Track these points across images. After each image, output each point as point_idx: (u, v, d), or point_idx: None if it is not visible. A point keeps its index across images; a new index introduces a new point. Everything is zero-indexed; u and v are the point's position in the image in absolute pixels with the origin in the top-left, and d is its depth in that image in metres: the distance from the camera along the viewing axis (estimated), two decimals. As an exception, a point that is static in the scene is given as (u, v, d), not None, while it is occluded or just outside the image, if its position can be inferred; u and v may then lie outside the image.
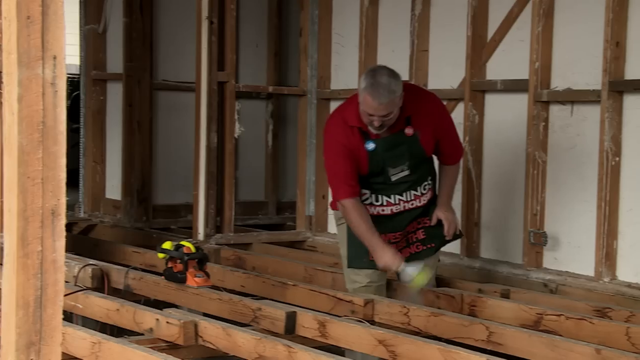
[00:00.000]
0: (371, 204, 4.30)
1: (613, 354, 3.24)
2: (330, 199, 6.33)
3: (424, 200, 4.35)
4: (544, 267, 4.97)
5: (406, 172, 4.27)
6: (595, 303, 4.19)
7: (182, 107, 6.73)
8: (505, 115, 5.19)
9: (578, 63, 4.84)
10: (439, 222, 4.39)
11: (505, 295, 4.44)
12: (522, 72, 5.02)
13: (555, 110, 4.95)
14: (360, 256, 4.34)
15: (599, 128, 4.63)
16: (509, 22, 5.15)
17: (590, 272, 4.69)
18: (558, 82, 4.92)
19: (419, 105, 4.24)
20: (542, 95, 4.92)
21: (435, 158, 4.48)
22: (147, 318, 3.74)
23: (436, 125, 4.29)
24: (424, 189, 4.35)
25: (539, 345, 3.46)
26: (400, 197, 4.30)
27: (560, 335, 3.65)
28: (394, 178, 4.26)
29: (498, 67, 5.23)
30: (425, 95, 4.39)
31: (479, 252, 5.31)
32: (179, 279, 4.25)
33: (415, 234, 4.39)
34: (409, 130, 4.21)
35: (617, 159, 4.63)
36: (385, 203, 4.30)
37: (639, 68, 4.55)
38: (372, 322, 3.98)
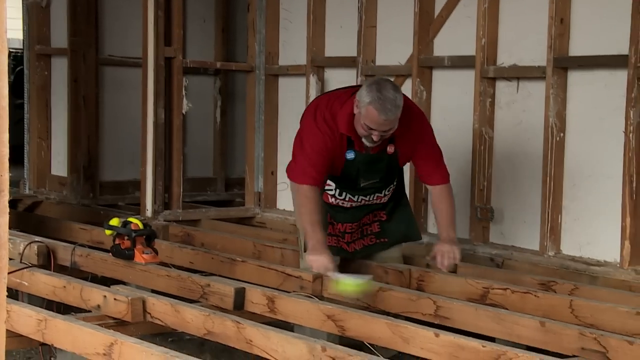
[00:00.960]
0: (333, 196, 4.28)
1: (557, 327, 3.29)
2: (283, 175, 6.34)
3: (385, 199, 4.34)
4: (490, 241, 5.02)
5: (376, 180, 4.24)
6: (540, 277, 4.25)
7: (129, 83, 6.66)
8: (452, 92, 5.22)
9: (523, 39, 4.88)
10: (397, 218, 4.37)
11: (453, 270, 4.48)
12: (469, 48, 5.05)
13: (501, 86, 4.99)
14: None
15: (544, 104, 4.68)
16: (456, -1, 5.18)
17: (536, 247, 4.76)
18: (504, 59, 4.96)
19: (406, 125, 4.09)
20: (488, 71, 4.96)
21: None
22: (95, 295, 3.72)
23: (418, 144, 4.20)
24: (388, 191, 4.33)
25: (485, 318, 3.51)
26: (364, 198, 4.30)
27: (506, 309, 3.71)
28: (362, 185, 4.24)
29: (445, 44, 5.25)
30: (412, 113, 4.19)
31: (427, 227, 5.34)
32: (126, 255, 4.23)
33: (370, 226, 4.37)
34: (390, 149, 4.14)
35: (562, 134, 4.69)
36: (347, 199, 4.28)
37: (583, 45, 4.61)
38: (321, 298, 3.99)
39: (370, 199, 4.31)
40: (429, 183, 4.33)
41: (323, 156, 4.08)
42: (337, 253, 4.29)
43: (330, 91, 4.45)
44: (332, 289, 3.94)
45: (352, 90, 4.17)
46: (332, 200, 4.29)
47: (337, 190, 4.26)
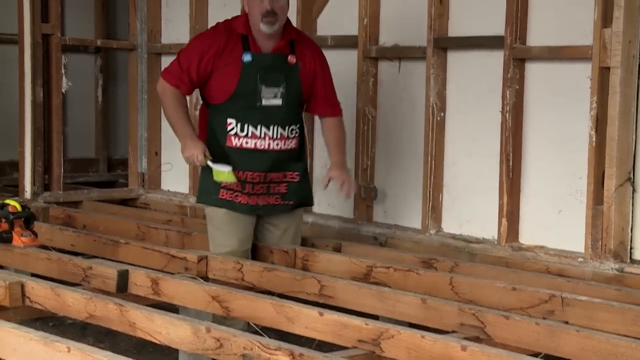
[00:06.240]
0: (236, 134, 4.19)
1: (437, 303, 3.36)
2: (167, 156, 6.27)
3: (288, 144, 4.25)
4: (374, 220, 5.09)
5: (278, 102, 4.20)
6: (422, 255, 4.33)
7: (5, 61, 6.47)
8: (336, 71, 5.17)
9: (405, 20, 4.94)
10: (304, 179, 4.34)
11: (337, 249, 4.53)
12: (351, 28, 5.09)
13: (383, 66, 5.05)
14: (209, 192, 4.24)
15: (425, 84, 4.76)
16: (338, -22, 5.21)
17: (418, 225, 4.84)
18: (386, 39, 5.02)
19: (305, 44, 4.32)
20: (371, 51, 5.01)
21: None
22: (-30, 280, 3.61)
23: (317, 65, 4.30)
24: (291, 133, 4.26)
25: (369, 297, 3.56)
26: (267, 131, 4.19)
27: (389, 287, 3.76)
28: (265, 102, 4.18)
29: (328, 23, 5.28)
30: (311, 41, 4.48)
31: (312, 207, 5.37)
32: (4, 238, 4.12)
33: (278, 185, 4.28)
34: (291, 59, 4.21)
35: (442, 114, 4.78)
36: (250, 134, 4.18)
37: (461, 25, 4.70)
38: (206, 279, 3.98)
39: (274, 134, 4.20)
40: (322, 114, 4.39)
41: (199, 59, 4.16)
42: (231, 208, 4.22)
43: None
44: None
45: None
46: (235, 141, 4.19)
47: (239, 125, 4.18)
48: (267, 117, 4.19)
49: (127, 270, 3.77)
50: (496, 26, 4.48)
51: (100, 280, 3.77)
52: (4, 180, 6.54)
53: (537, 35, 4.40)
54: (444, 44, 4.73)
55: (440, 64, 4.74)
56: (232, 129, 4.20)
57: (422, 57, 4.78)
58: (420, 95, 4.80)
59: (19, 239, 4.09)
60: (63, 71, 5.95)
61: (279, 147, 4.23)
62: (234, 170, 4.14)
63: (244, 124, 4.18)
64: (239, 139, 4.19)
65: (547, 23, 4.37)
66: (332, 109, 4.38)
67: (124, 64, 6.77)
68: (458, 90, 4.75)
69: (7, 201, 4.19)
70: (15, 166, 6.03)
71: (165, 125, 6.26)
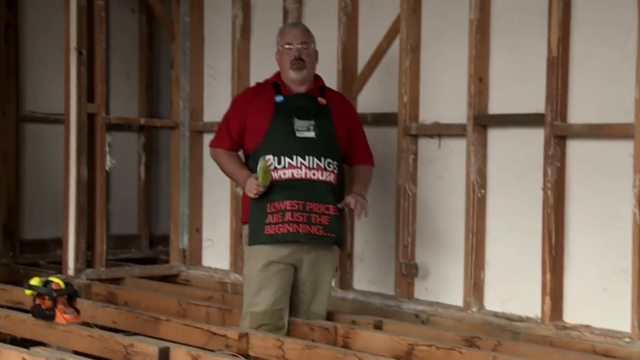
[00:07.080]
0: (275, 169, 4.32)
1: (481, 383, 3.33)
2: (208, 232, 6.29)
3: (326, 177, 4.34)
4: (415, 297, 5.05)
5: (311, 134, 4.36)
6: (464, 333, 4.29)
7: (51, 139, 6.58)
8: (376, 148, 5.23)
9: (444, 97, 4.98)
10: (342, 216, 4.44)
11: (378, 327, 4.50)
12: (391, 105, 5.13)
13: (423, 143, 5.07)
14: (255, 231, 4.35)
15: (465, 161, 4.77)
16: (378, 57, 5.25)
17: (459, 302, 4.80)
18: (426, 116, 5.05)
19: (337, 95, 4.71)
20: (411, 128, 5.04)
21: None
22: (13, 357, 3.63)
23: (349, 113, 4.62)
24: (328, 166, 4.36)
25: (411, 375, 3.52)
26: (303, 161, 4.32)
27: (431, 365, 3.73)
28: (298, 133, 4.35)
29: (368, 101, 5.33)
30: (342, 95, 4.92)
31: (352, 284, 5.36)
32: (47, 316, 4.15)
33: (320, 217, 4.33)
34: (322, 100, 4.48)
35: (483, 191, 4.77)
36: (287, 165, 4.31)
37: (501, 103, 4.72)
38: (247, 356, 3.97)
39: (310, 164, 4.32)
40: (357, 162, 4.60)
41: (235, 113, 4.51)
42: (276, 241, 4.30)
43: None
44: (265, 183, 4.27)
45: None
46: (274, 175, 4.32)
47: (276, 159, 4.32)
48: (302, 148, 4.35)
49: (168, 348, 3.78)
50: (536, 104, 4.50)
51: (141, 358, 3.77)
52: (48, 257, 6.60)
53: (578, 113, 4.40)
54: (484, 121, 4.75)
55: (480, 141, 4.75)
56: (271, 164, 4.33)
57: (462, 135, 4.80)
58: (461, 172, 4.80)
59: (62, 316, 4.12)
60: (107, 149, 6.04)
61: (315, 177, 4.34)
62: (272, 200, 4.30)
63: (281, 157, 4.34)
64: (277, 172, 4.34)
65: (587, 101, 4.37)
66: (367, 157, 4.65)
67: (166, 142, 6.85)
68: (499, 167, 4.74)
69: (51, 278, 4.23)
70: (59, 243, 6.09)
71: (206, 201, 6.32)
